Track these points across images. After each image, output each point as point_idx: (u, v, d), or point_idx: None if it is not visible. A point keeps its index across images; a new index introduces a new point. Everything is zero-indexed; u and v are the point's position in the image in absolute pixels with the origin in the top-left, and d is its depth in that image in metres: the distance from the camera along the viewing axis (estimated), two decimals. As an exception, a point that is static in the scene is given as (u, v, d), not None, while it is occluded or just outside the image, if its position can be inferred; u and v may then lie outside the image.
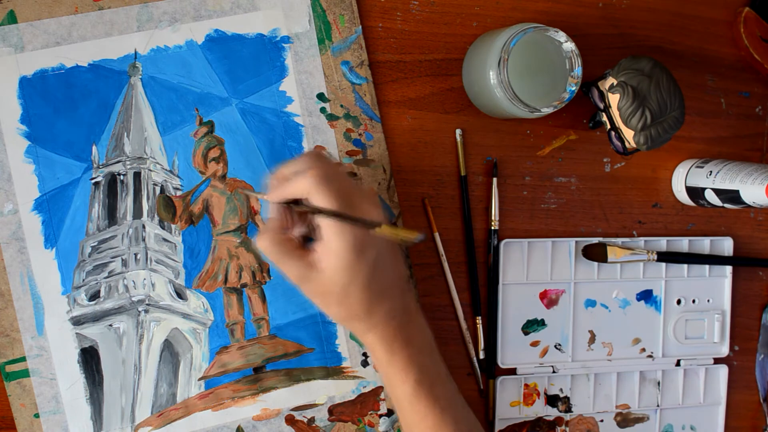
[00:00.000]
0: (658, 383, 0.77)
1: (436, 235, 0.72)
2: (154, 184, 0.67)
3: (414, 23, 0.70)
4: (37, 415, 0.65)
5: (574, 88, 0.64)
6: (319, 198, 0.55)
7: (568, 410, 0.75)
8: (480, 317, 0.73)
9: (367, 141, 0.70)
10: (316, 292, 0.58)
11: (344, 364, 0.70)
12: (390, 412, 0.71)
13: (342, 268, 0.56)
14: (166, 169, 0.67)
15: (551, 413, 0.75)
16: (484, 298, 0.73)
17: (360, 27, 0.69)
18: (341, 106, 0.69)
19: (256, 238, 0.58)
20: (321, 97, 0.69)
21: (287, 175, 0.57)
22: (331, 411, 0.70)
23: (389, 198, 0.70)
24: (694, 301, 0.77)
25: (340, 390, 0.70)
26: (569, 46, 0.64)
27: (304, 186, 0.55)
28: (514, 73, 0.63)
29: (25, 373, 0.65)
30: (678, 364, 0.77)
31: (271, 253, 0.57)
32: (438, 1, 0.71)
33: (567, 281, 0.74)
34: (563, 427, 0.75)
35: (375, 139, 0.70)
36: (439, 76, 0.71)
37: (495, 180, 0.72)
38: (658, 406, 0.77)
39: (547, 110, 0.64)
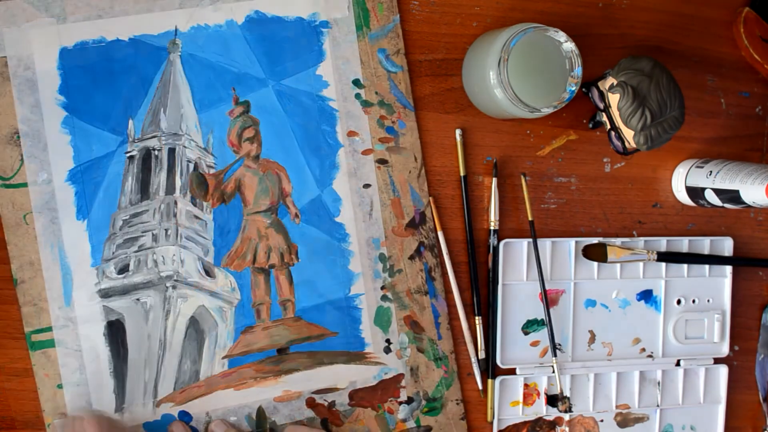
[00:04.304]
0: (658, 383, 0.77)
1: (440, 233, 0.72)
2: (188, 161, 0.67)
3: (414, 23, 0.71)
4: (60, 386, 0.65)
5: (574, 88, 0.65)
6: None
7: (568, 410, 0.75)
8: (480, 317, 0.73)
9: (400, 129, 0.70)
10: None
11: (367, 350, 0.70)
12: (410, 400, 0.71)
13: None
14: (200, 147, 0.67)
15: (551, 413, 0.75)
16: (484, 298, 0.73)
17: (398, 15, 0.69)
18: (376, 93, 0.70)
19: None
20: (356, 83, 0.69)
21: None
22: (351, 396, 0.70)
23: (419, 187, 0.71)
24: (694, 301, 0.77)
25: (362, 375, 0.70)
26: (569, 46, 0.64)
27: None
28: (514, 73, 0.63)
29: (50, 343, 0.65)
30: (678, 364, 0.77)
31: None
32: (438, 1, 0.71)
33: (567, 281, 0.75)
34: (563, 427, 0.75)
35: (408, 127, 0.70)
36: (439, 76, 0.72)
37: (495, 180, 0.73)
38: (658, 406, 0.77)
39: (547, 110, 0.64)
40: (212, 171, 0.68)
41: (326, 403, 0.70)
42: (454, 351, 0.72)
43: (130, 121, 0.66)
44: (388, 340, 0.71)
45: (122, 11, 0.65)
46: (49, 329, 0.65)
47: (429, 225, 0.71)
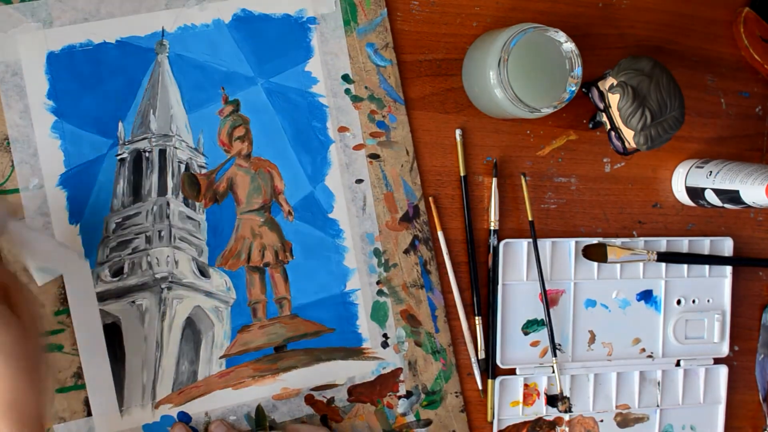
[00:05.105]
0: (658, 383, 0.77)
1: (440, 233, 0.72)
2: (179, 162, 0.67)
3: (414, 23, 0.71)
4: (58, 390, 0.65)
5: (574, 88, 0.64)
6: None
7: (568, 410, 0.75)
8: (480, 317, 0.73)
9: (391, 123, 0.70)
10: None
11: (364, 345, 0.70)
12: (409, 394, 0.71)
13: None
14: (191, 147, 0.67)
15: (551, 413, 0.75)
16: (484, 298, 0.73)
17: (385, 10, 0.69)
18: (366, 87, 0.69)
19: None
20: (346, 78, 0.69)
21: None
22: (350, 392, 0.70)
23: (412, 180, 0.71)
24: (694, 301, 0.77)
25: (360, 371, 0.70)
26: (569, 46, 0.64)
27: None
28: (514, 73, 0.63)
29: (48, 348, 0.65)
30: (678, 364, 0.77)
31: None
32: (438, 1, 0.71)
33: (567, 281, 0.74)
34: (563, 427, 0.75)
35: (399, 121, 0.70)
36: (439, 76, 0.71)
37: (495, 180, 0.72)
38: (658, 406, 0.77)
39: (547, 110, 0.64)
40: (204, 171, 0.68)
41: (325, 400, 0.70)
42: (451, 343, 0.72)
43: (120, 124, 0.66)
44: (385, 335, 0.71)
45: (108, 14, 0.65)
46: (46, 333, 0.65)
47: (423, 218, 0.71)
